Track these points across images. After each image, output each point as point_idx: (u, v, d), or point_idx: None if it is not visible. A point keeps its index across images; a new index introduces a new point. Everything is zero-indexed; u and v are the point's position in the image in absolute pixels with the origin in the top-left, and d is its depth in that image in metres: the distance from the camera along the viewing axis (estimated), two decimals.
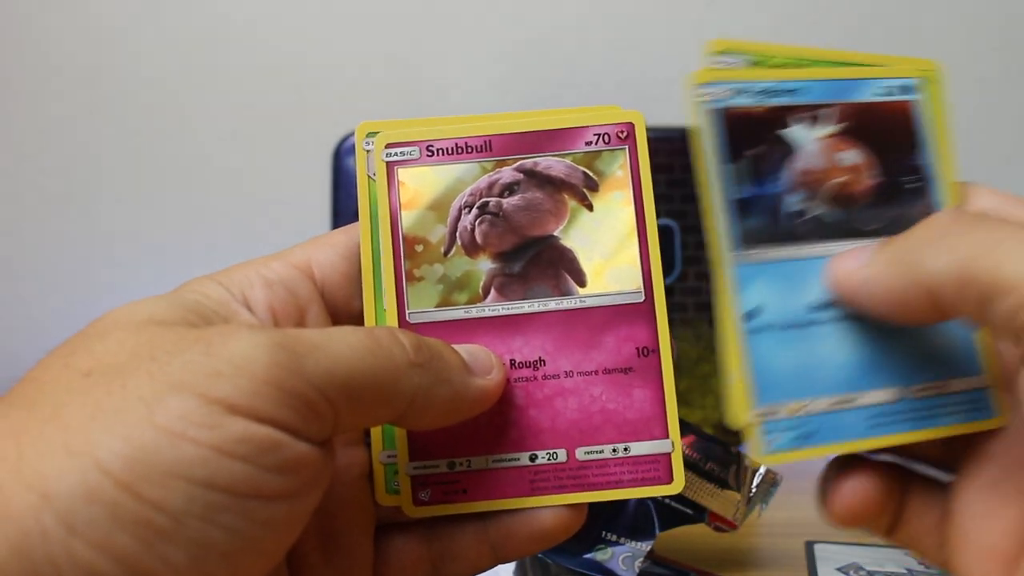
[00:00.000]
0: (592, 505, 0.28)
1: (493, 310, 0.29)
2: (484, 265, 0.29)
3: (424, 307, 0.28)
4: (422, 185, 0.29)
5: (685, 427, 0.43)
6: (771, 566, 0.47)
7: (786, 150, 0.29)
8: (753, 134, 0.28)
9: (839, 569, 0.45)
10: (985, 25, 0.67)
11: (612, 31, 0.69)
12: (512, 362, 0.28)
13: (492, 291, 0.29)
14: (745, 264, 0.27)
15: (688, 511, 0.44)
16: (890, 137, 0.29)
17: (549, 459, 0.28)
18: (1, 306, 0.75)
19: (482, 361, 0.27)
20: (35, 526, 0.18)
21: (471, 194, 0.29)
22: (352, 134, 0.56)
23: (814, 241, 0.28)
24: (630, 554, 0.43)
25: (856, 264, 0.26)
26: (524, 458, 0.28)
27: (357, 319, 0.29)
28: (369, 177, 0.29)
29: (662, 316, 0.29)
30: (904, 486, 0.28)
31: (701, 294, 0.54)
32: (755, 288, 0.27)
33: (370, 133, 0.29)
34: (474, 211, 0.29)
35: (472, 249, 0.29)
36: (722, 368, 0.28)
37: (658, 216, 0.29)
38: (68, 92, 0.72)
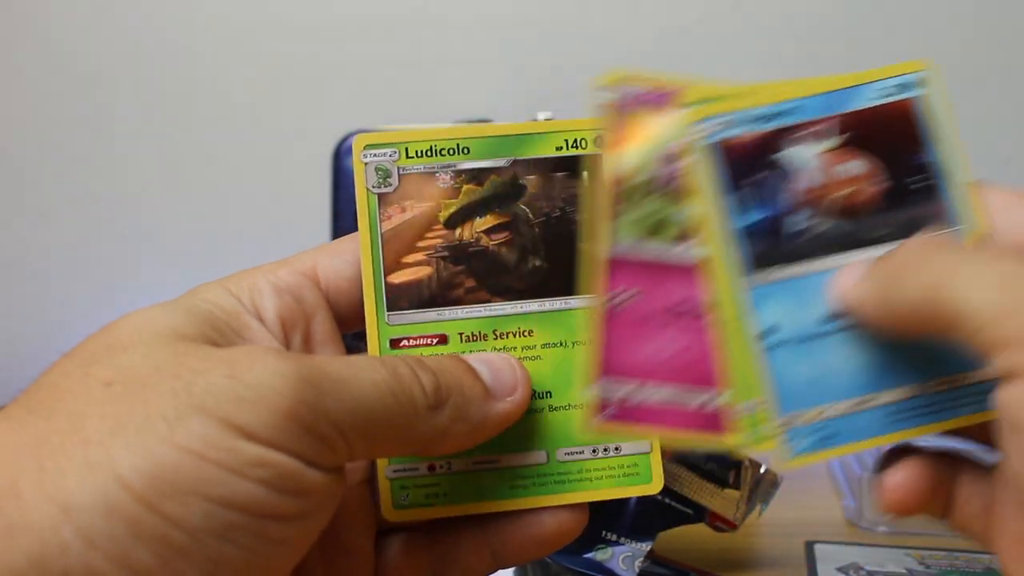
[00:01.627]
0: (592, 505, 0.28)
1: (691, 255, 0.29)
2: (687, 212, 0.29)
3: (627, 240, 0.29)
4: (640, 124, 0.29)
5: None
6: (771, 566, 0.47)
7: (787, 172, 0.29)
8: (752, 161, 0.29)
9: (839, 569, 0.45)
10: (983, 24, 0.67)
11: (613, 32, 0.69)
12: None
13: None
14: (757, 287, 0.28)
15: (688, 511, 0.44)
16: (893, 140, 0.29)
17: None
18: (2, 306, 0.75)
19: (506, 380, 0.27)
20: (54, 538, 0.18)
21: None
22: (352, 135, 0.56)
23: (822, 256, 0.28)
24: (630, 554, 0.43)
25: (851, 282, 0.27)
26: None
27: (363, 322, 0.29)
28: (368, 190, 0.29)
29: None
30: (955, 471, 0.28)
31: None
32: (768, 308, 0.28)
33: (368, 145, 0.29)
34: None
35: (680, 193, 0.29)
36: (734, 389, 0.28)
37: None
38: (67, 93, 0.72)
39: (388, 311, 0.29)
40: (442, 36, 0.70)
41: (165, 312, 0.24)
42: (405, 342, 0.28)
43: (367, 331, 0.28)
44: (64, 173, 0.73)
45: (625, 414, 0.28)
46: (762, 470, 0.46)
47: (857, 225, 0.29)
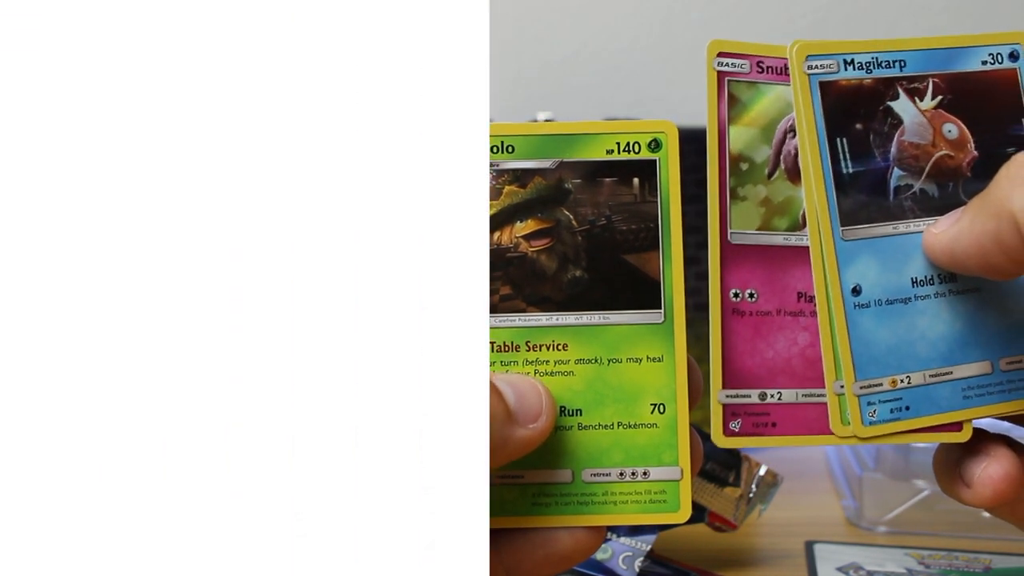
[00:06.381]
0: None
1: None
2: (804, 192, 0.28)
3: (746, 228, 0.28)
4: (750, 101, 0.28)
5: None
6: (771, 566, 0.47)
7: (891, 124, 0.28)
8: (860, 107, 0.28)
9: (839, 569, 0.45)
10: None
11: (612, 31, 0.69)
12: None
13: None
14: (850, 241, 0.28)
15: None
16: (993, 107, 0.29)
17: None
18: None
19: (531, 405, 0.26)
20: None
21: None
22: None
23: (917, 216, 0.28)
24: (630, 554, 0.43)
25: (947, 224, 0.26)
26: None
27: None
28: None
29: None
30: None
31: (700, 294, 0.54)
32: (859, 265, 0.27)
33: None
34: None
35: (794, 175, 0.28)
36: (828, 361, 0.28)
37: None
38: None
39: None
40: None
41: None
42: None
43: None
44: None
45: (753, 424, 0.28)
46: (762, 470, 0.46)
47: (953, 188, 0.28)
